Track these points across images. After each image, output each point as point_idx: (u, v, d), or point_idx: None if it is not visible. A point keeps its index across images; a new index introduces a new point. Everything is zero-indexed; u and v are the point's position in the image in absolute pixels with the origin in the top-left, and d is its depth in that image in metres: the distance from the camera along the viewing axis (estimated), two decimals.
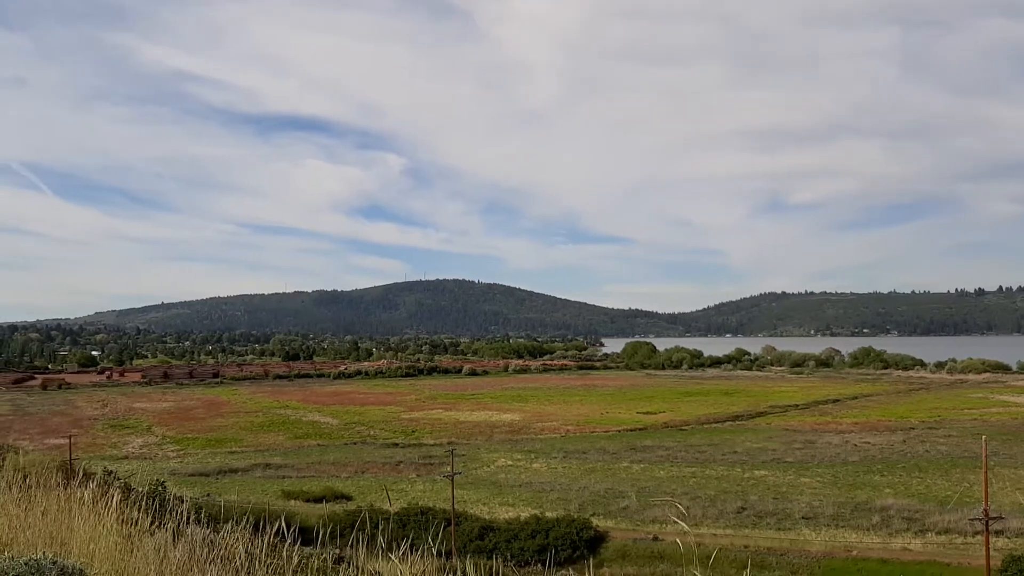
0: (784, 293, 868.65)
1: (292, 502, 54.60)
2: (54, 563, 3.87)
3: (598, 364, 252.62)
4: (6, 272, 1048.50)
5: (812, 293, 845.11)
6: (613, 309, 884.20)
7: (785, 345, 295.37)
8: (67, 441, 64.47)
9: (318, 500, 55.76)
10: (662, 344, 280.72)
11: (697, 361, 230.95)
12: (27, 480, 7.50)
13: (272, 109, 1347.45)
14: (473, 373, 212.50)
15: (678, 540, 36.07)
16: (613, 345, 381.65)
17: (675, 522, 42.50)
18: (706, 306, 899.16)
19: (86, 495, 6.67)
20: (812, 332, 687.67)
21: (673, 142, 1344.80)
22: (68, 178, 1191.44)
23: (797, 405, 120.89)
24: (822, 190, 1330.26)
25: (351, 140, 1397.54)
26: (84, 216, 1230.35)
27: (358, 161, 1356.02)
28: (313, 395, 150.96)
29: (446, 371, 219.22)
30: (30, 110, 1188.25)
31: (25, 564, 3.83)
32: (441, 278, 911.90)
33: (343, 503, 54.37)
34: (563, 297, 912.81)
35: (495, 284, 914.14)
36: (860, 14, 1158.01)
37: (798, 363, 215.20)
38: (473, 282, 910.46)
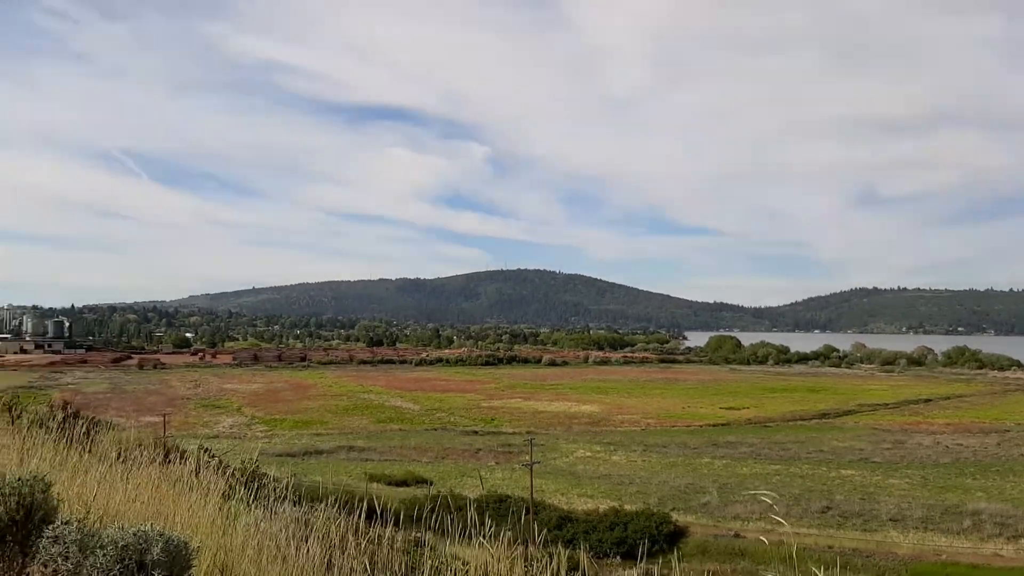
0: (876, 289, 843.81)
1: (375, 484, 55.60)
2: (160, 535, 4.08)
3: (680, 358, 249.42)
4: (107, 255, 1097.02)
5: (905, 289, 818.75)
6: (697, 302, 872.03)
7: (875, 342, 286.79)
8: (161, 419, 67.09)
9: (400, 484, 56.71)
10: (747, 339, 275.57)
11: (783, 357, 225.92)
12: (129, 456, 7.89)
13: (360, 98, 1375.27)
14: (552, 363, 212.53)
15: (762, 537, 35.48)
16: (696, 339, 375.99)
17: (771, 517, 41.74)
18: (793, 301, 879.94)
19: (185, 472, 6.99)
20: (904, 329, 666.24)
21: (763, 131, 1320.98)
22: (164, 164, 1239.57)
23: (887, 404, 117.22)
24: (919, 182, 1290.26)
25: (436, 129, 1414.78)
26: (180, 201, 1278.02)
27: (442, 150, 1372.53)
28: (396, 381, 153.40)
29: (525, 361, 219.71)
30: (129, 98, 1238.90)
31: (134, 535, 4.05)
32: (522, 268, 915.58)
33: (423, 487, 55.15)
34: (645, 289, 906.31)
35: (576, 275, 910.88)
36: (962, 1, 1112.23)
37: (889, 361, 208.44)
38: (554, 272, 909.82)
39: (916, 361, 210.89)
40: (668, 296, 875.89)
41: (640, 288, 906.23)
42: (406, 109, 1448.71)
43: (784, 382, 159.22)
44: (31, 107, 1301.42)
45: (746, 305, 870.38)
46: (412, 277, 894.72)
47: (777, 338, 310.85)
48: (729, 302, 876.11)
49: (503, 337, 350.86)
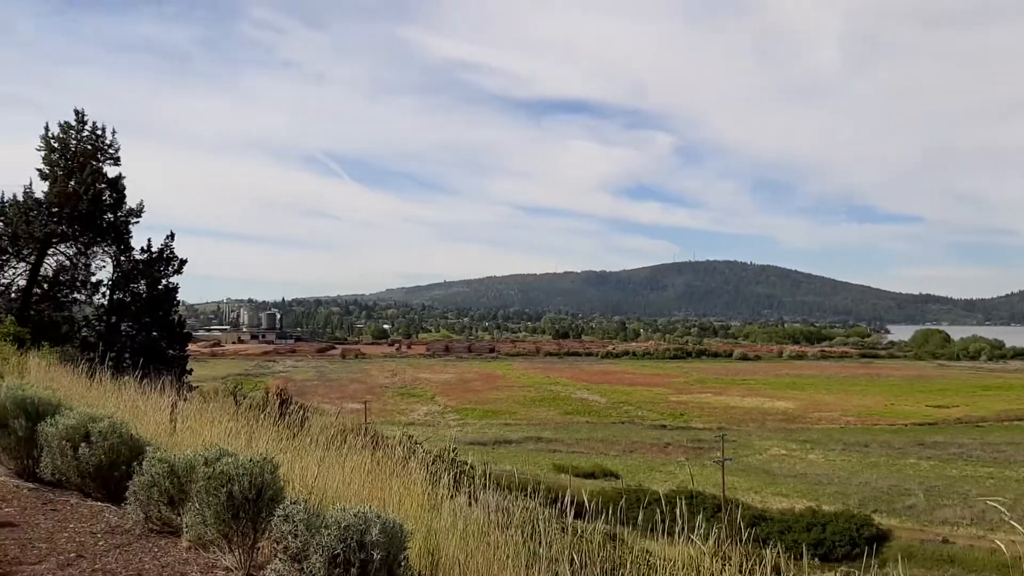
0: None
1: (562, 476, 56.25)
2: (378, 516, 4.29)
3: (882, 353, 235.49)
4: (313, 252, 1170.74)
5: None
6: (900, 294, 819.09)
7: None
8: (362, 406, 70.75)
9: (587, 476, 57.03)
10: (956, 333, 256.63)
11: (998, 352, 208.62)
12: (343, 441, 8.36)
13: (543, 93, 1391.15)
14: (744, 358, 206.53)
15: (972, 544, 33.04)
16: (900, 333, 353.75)
17: (988, 522, 38.84)
18: (1009, 292, 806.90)
19: (394, 457, 7.32)
20: None
21: (967, 111, 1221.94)
22: (363, 164, 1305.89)
23: None
24: None
25: (620, 120, 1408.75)
26: (378, 200, 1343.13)
27: (626, 141, 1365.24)
28: (582, 373, 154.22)
29: (715, 355, 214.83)
30: (330, 103, 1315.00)
31: (354, 516, 4.29)
32: (711, 259, 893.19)
33: (611, 480, 55.19)
34: (843, 280, 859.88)
35: (768, 266, 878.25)
36: None
37: None
38: (745, 263, 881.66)
39: None
40: (868, 287, 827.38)
41: (837, 279, 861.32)
42: (589, 101, 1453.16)
43: (999, 379, 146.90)
44: (243, 114, 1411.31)
45: (955, 297, 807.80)
46: (597, 270, 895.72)
47: (990, 332, 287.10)
48: (936, 293, 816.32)
49: (692, 330, 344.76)
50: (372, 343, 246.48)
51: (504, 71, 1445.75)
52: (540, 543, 5.59)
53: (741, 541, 5.58)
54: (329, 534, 4.17)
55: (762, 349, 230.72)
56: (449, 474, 7.35)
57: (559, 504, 6.78)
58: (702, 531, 5.59)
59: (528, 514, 6.42)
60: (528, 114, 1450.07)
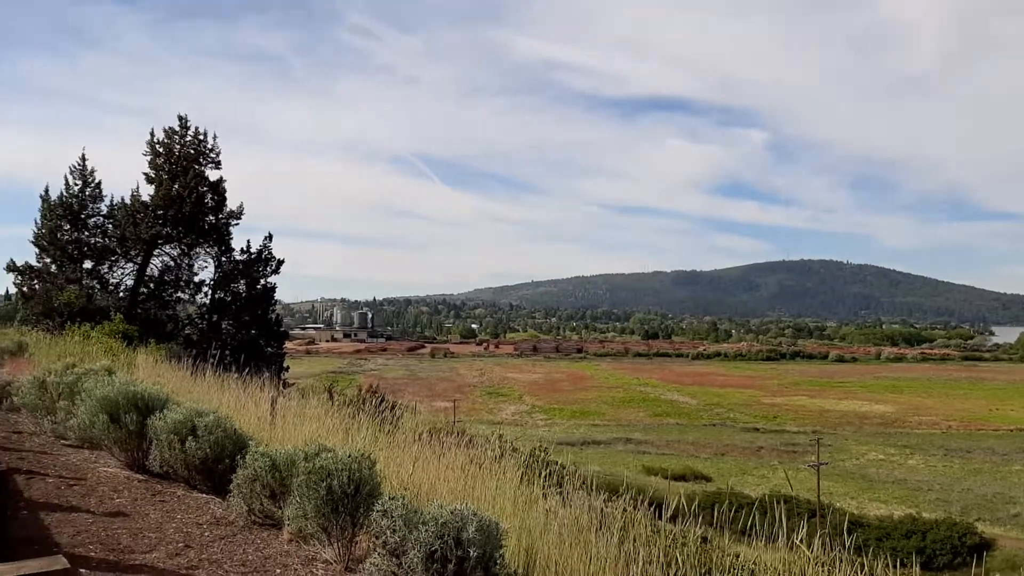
0: None
1: (652, 478, 55.72)
2: (474, 514, 4.33)
3: (986, 355, 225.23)
4: (403, 252, 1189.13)
5: None
6: (1006, 294, 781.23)
7: None
8: (451, 405, 71.54)
9: (678, 478, 56.32)
10: None
11: None
12: (436, 438, 8.47)
13: (634, 91, 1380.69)
14: (840, 360, 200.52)
15: None
16: (1005, 334, 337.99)
17: None
18: None
19: (487, 455, 7.37)
20: None
21: None
22: (452, 166, 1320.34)
23: None
24: None
25: (712, 118, 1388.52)
26: (466, 200, 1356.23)
27: (718, 139, 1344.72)
28: (672, 374, 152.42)
29: (810, 356, 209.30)
30: (421, 105, 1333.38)
31: (451, 513, 4.33)
32: (806, 258, 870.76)
33: (702, 483, 54.37)
34: (945, 279, 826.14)
35: (866, 265, 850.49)
36: None
37: None
38: (841, 263, 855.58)
39: None
40: (972, 287, 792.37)
41: (939, 279, 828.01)
42: (680, 99, 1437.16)
43: None
44: (337, 118, 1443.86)
45: None
46: (687, 269, 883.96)
47: None
48: None
49: (785, 331, 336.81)
50: (460, 342, 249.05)
51: (593, 69, 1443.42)
52: (632, 544, 5.54)
53: (843, 547, 5.43)
54: (427, 530, 4.22)
55: (859, 351, 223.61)
56: (541, 474, 7.37)
57: (650, 506, 6.72)
58: (801, 536, 5.46)
59: (623, 515, 6.38)
60: (617, 112, 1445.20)
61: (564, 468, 9.39)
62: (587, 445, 72.29)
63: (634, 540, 5.35)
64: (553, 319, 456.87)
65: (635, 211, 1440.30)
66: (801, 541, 5.45)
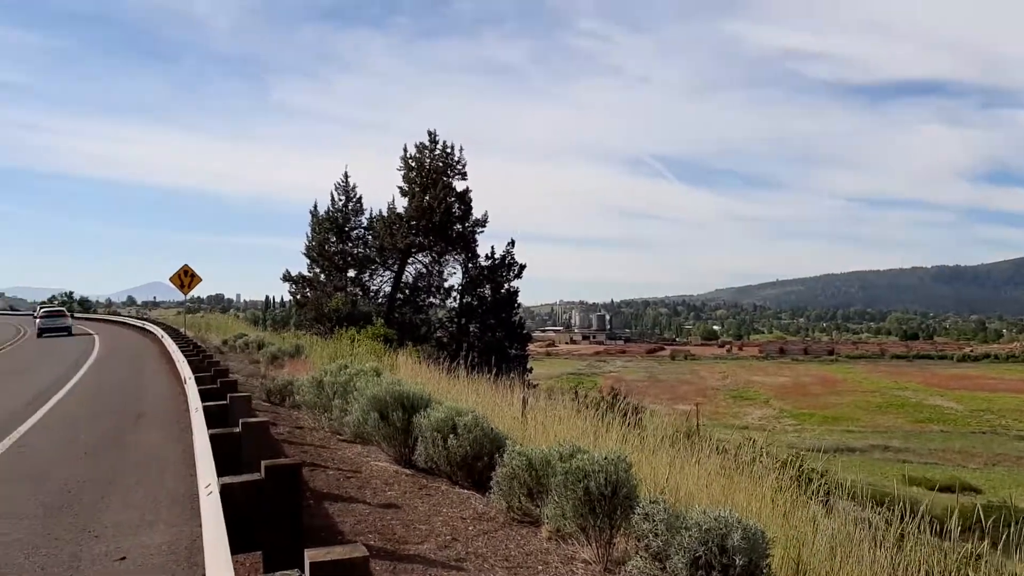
0: None
1: (913, 488, 51.79)
2: (739, 522, 4.22)
3: None
4: (640, 253, 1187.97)
5: None
6: None
7: None
8: (692, 408, 70.29)
9: (943, 489, 51.94)
10: None
11: None
12: (691, 443, 8.37)
13: (882, 77, 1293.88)
14: None
15: None
16: None
17: None
18: None
19: (742, 462, 7.19)
20: None
21: None
22: (688, 164, 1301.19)
23: None
24: None
25: (973, 100, 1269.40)
26: (703, 199, 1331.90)
27: (983, 122, 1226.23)
28: (934, 378, 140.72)
29: None
30: (653, 105, 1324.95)
31: (714, 519, 4.25)
32: None
33: (971, 495, 49.84)
34: None
35: None
36: None
37: None
38: None
39: None
40: None
41: None
42: (935, 81, 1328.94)
43: None
44: (571, 121, 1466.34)
45: None
46: (950, 264, 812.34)
47: None
48: None
49: None
50: (701, 344, 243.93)
51: (838, 57, 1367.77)
52: (913, 558, 5.18)
53: None
54: (690, 536, 4.17)
55: None
56: (799, 481, 7.08)
57: (917, 518, 6.22)
58: None
59: (898, 527, 5.98)
60: (866, 100, 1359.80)
61: (823, 476, 8.97)
62: (840, 452, 68.25)
63: (910, 553, 4.99)
64: (801, 320, 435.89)
65: (886, 203, 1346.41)
66: None
